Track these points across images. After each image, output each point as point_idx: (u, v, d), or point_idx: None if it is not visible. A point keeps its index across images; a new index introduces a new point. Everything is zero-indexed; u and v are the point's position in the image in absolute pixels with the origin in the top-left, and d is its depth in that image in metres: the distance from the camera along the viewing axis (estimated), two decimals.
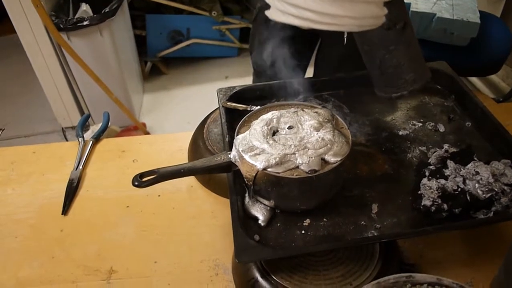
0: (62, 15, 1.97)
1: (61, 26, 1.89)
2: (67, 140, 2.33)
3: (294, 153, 0.62)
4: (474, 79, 2.29)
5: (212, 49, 2.78)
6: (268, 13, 0.52)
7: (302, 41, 1.10)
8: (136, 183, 0.61)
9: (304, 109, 0.71)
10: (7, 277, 0.71)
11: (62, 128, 2.39)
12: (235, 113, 0.81)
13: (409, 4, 1.43)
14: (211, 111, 0.95)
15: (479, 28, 1.35)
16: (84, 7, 2.05)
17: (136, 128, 2.24)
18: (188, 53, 2.77)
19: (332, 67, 1.19)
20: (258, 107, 0.77)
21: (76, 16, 2.02)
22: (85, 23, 1.92)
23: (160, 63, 2.78)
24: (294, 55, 0.81)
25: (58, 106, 2.28)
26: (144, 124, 2.34)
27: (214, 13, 2.57)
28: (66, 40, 1.92)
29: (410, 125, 0.83)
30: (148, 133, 2.29)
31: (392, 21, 0.65)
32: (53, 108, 2.30)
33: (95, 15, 1.96)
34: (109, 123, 1.06)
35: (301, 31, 0.65)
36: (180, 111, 2.50)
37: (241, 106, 0.83)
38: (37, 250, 0.75)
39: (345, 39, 0.77)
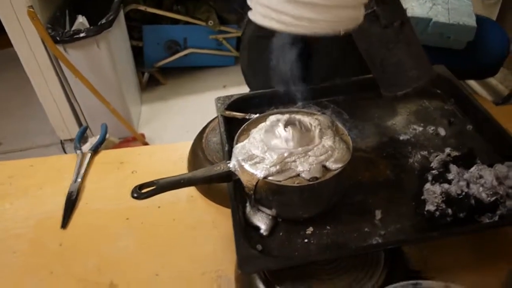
0: (59, 27, 1.97)
1: (58, 38, 1.88)
2: (65, 153, 2.32)
3: (294, 161, 0.61)
4: (472, 82, 2.29)
5: (209, 59, 2.78)
6: (250, 14, 0.54)
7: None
8: (135, 195, 0.60)
9: (304, 116, 0.70)
10: None
11: (61, 141, 2.38)
12: (234, 121, 0.81)
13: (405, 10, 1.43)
14: (209, 120, 0.94)
15: (476, 32, 1.35)
16: (81, 19, 2.06)
17: (135, 139, 2.23)
18: (186, 63, 2.77)
19: (320, 78, 1.16)
20: (257, 115, 0.76)
21: (73, 28, 2.02)
22: (81, 35, 1.92)
23: (157, 73, 2.78)
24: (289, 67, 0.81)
25: (56, 118, 2.28)
26: (143, 135, 2.33)
27: (211, 23, 2.58)
28: (63, 52, 1.92)
29: (410, 130, 0.82)
30: (147, 144, 2.28)
31: (388, 20, 0.67)
32: (51, 121, 2.29)
33: (91, 27, 1.96)
34: (108, 135, 1.05)
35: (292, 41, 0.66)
36: (179, 120, 2.50)
37: (239, 115, 0.82)
38: (36, 266, 0.74)
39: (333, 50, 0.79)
